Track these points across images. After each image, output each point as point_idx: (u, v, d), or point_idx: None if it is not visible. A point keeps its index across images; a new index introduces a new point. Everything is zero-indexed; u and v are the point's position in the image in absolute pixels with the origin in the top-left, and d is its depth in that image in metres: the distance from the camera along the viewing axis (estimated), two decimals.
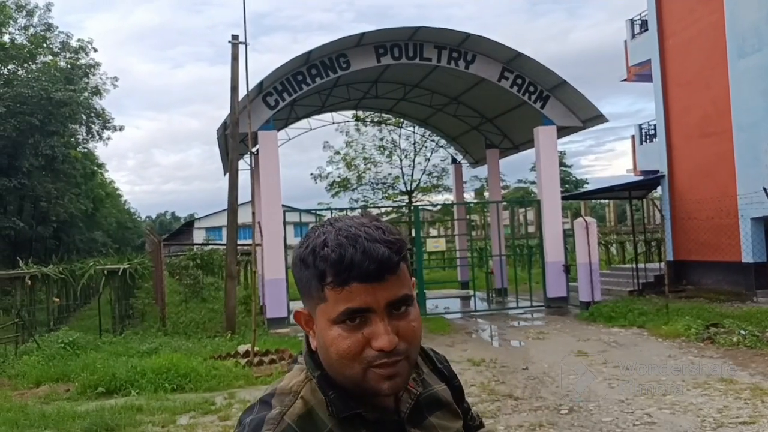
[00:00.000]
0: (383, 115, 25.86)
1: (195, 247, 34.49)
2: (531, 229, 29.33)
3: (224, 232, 16.55)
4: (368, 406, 1.12)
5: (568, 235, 16.95)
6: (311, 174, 30.21)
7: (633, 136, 21.60)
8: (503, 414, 6.95)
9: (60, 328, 13.81)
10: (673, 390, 7.56)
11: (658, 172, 18.49)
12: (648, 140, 20.17)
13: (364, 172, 29.44)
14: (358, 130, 28.73)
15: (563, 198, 19.21)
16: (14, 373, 10.23)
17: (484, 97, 18.50)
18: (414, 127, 26.36)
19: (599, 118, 16.37)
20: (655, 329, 11.69)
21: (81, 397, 8.69)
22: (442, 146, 26.72)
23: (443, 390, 1.30)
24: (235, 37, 13.63)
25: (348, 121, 26.40)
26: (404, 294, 1.08)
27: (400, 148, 28.78)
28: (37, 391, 9.23)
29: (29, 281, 14.63)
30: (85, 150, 33.40)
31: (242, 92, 13.62)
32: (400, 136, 28.50)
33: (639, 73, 20.70)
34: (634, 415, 6.67)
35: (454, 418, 1.28)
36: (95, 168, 39.27)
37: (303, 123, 20.78)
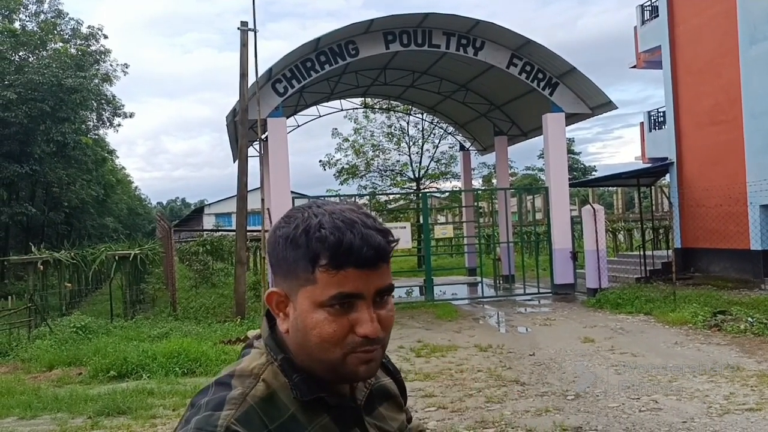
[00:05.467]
0: (392, 102, 25.79)
1: (205, 233, 34.69)
2: (539, 216, 29.30)
3: (234, 218, 16.66)
4: (329, 392, 1.12)
5: (576, 222, 16.95)
6: (320, 161, 30.20)
7: (642, 123, 21.50)
8: (510, 399, 7.01)
9: (72, 313, 14.00)
10: (679, 377, 7.59)
11: (666, 159, 18.41)
12: (657, 127, 20.06)
13: (372, 159, 29.39)
14: (366, 117, 28.68)
15: (571, 185, 19.19)
16: (27, 356, 10.40)
17: (493, 84, 18.45)
18: (422, 114, 26.29)
19: (608, 105, 16.30)
20: (662, 316, 11.70)
21: (93, 381, 8.82)
22: (450, 133, 26.66)
23: (390, 383, 1.32)
24: (244, 23, 13.65)
25: (356, 108, 26.36)
26: (390, 283, 1.10)
27: (408, 135, 28.73)
28: (50, 374, 9.38)
29: (41, 266, 14.81)
30: (96, 136, 33.51)
31: (251, 79, 13.68)
32: (408, 123, 28.44)
33: (648, 60, 20.56)
34: (640, 401, 6.71)
35: (399, 411, 1.31)
36: (106, 154, 39.42)
37: (312, 110, 20.80)
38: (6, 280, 25.09)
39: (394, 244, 1.09)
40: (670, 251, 16.96)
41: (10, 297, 17.29)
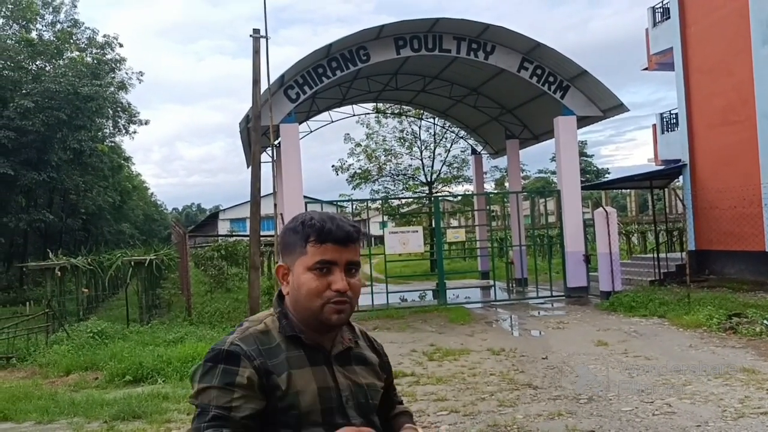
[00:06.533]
0: (403, 106, 25.85)
1: (219, 238, 34.92)
2: (551, 219, 29.23)
3: (248, 223, 16.78)
4: (309, 338, 1.61)
5: (589, 225, 16.90)
6: (332, 166, 30.29)
7: (654, 125, 21.39)
8: (522, 403, 7.01)
9: (89, 318, 14.12)
10: (693, 380, 7.55)
11: (679, 161, 18.31)
12: (669, 129, 19.95)
13: (384, 163, 29.40)
14: (378, 122, 28.72)
15: (584, 188, 19.13)
16: (45, 361, 10.52)
17: (504, 88, 18.45)
18: (434, 118, 26.31)
19: (620, 107, 16.26)
20: (677, 319, 11.64)
21: (109, 385, 8.92)
22: (462, 137, 26.66)
23: (372, 357, 1.77)
24: (256, 31, 13.75)
25: (368, 114, 26.45)
26: (358, 260, 1.63)
27: (420, 139, 28.73)
28: (67, 379, 9.49)
29: (59, 272, 14.96)
30: (112, 144, 33.85)
31: (264, 86, 13.78)
32: (420, 127, 28.45)
33: (660, 62, 20.46)
34: (654, 404, 6.68)
35: (375, 377, 1.73)
36: (122, 161, 39.79)
37: (324, 115, 20.90)
38: (24, 286, 25.40)
39: (359, 234, 1.63)
40: (683, 253, 16.85)
41: (28, 302, 17.50)
